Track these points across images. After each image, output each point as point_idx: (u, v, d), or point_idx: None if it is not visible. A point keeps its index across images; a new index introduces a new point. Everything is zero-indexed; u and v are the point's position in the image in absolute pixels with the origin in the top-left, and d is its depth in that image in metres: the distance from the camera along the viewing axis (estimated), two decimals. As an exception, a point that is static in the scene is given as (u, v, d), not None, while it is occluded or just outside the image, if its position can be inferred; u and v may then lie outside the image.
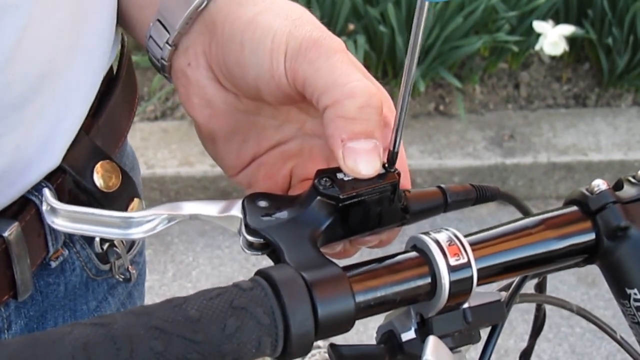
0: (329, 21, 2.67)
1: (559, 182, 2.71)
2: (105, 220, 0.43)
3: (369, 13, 2.65)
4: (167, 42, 0.52)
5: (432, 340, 0.42)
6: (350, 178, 0.43)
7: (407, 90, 0.41)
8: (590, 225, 0.47)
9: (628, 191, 0.49)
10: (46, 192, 0.49)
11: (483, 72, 2.94)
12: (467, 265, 0.41)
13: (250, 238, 0.41)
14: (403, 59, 2.67)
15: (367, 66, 2.80)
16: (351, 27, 2.74)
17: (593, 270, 2.35)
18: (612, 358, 2.17)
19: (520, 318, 1.87)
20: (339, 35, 2.73)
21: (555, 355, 2.15)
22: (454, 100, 2.82)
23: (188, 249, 2.46)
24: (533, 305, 0.57)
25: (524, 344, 0.59)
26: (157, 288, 2.31)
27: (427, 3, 0.37)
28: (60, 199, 0.50)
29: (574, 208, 0.48)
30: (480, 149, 2.69)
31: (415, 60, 0.41)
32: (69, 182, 0.54)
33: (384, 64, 2.82)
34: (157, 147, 2.64)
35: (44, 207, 0.45)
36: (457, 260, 0.41)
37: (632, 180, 0.50)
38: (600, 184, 0.48)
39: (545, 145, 2.72)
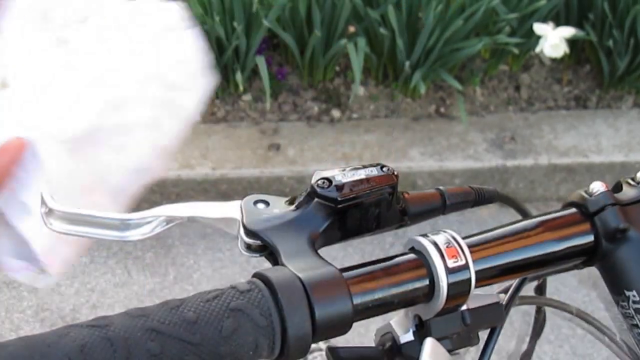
0: (330, 23, 2.67)
1: (559, 183, 2.70)
2: (103, 222, 0.43)
3: (370, 15, 2.65)
4: None
5: (429, 343, 0.42)
6: (348, 180, 0.43)
7: None
8: (589, 227, 0.47)
9: (627, 193, 0.49)
10: (44, 193, 0.48)
11: (484, 74, 2.94)
12: (465, 267, 0.41)
13: (248, 240, 0.41)
14: (404, 61, 2.67)
15: (368, 68, 2.81)
16: (352, 29, 2.74)
17: (594, 273, 2.36)
18: (613, 359, 2.16)
19: (521, 320, 1.86)
20: (339, 37, 2.73)
21: (556, 356, 2.15)
22: (455, 103, 2.82)
23: (189, 251, 2.46)
24: (535, 307, 0.57)
25: (525, 346, 0.58)
26: (159, 291, 2.31)
27: None
28: None
29: (573, 210, 0.48)
30: (481, 151, 2.68)
31: None
32: None
33: (384, 67, 2.82)
34: (158, 150, 2.64)
35: (42, 210, 0.45)
36: (455, 262, 0.41)
37: (631, 182, 0.49)
38: (599, 186, 0.48)
39: (546, 147, 2.72)
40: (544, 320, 0.58)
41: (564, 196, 2.74)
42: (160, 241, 2.46)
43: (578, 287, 2.30)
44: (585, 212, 0.48)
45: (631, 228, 0.48)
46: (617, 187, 0.50)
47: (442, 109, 2.86)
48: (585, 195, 0.48)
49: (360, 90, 2.85)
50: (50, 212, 0.44)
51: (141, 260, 2.44)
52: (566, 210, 0.49)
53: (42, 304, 2.26)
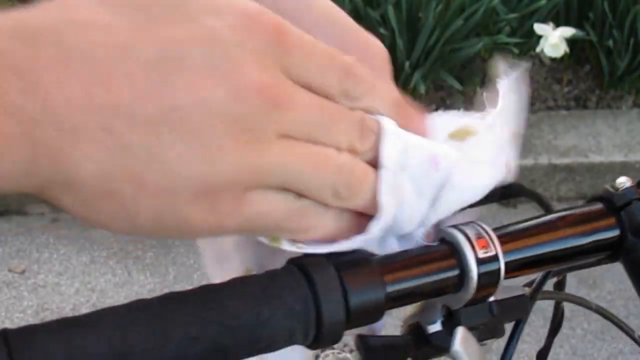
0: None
1: (559, 183, 2.71)
2: None
3: (369, 15, 2.65)
4: None
5: (460, 332, 0.42)
6: None
7: None
8: (614, 222, 0.48)
9: None
10: None
11: (484, 74, 2.94)
12: (495, 258, 0.41)
13: None
14: (404, 61, 2.67)
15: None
16: (352, 29, 2.74)
17: (594, 273, 2.37)
18: (614, 359, 2.17)
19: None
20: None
21: (556, 356, 2.15)
22: (455, 102, 2.82)
23: (189, 251, 2.46)
24: (550, 305, 0.57)
25: (541, 344, 0.59)
26: (159, 290, 2.31)
27: None
28: None
29: (599, 205, 0.49)
30: (481, 151, 2.69)
31: None
32: None
33: (384, 66, 2.83)
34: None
35: None
36: (485, 252, 0.41)
37: None
38: (625, 181, 0.49)
39: (546, 146, 2.72)
40: (562, 316, 0.58)
41: (564, 196, 2.75)
42: (160, 241, 2.46)
43: (578, 287, 2.30)
44: (611, 206, 0.48)
45: None
46: None
47: (442, 109, 2.85)
48: (611, 190, 0.49)
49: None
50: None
51: (141, 260, 2.44)
52: (592, 204, 0.49)
53: (43, 304, 2.26)
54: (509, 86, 0.45)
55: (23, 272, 2.37)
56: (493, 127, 0.43)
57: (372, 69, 0.39)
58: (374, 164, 0.38)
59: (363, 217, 0.38)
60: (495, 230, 0.43)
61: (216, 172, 0.33)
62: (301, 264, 0.37)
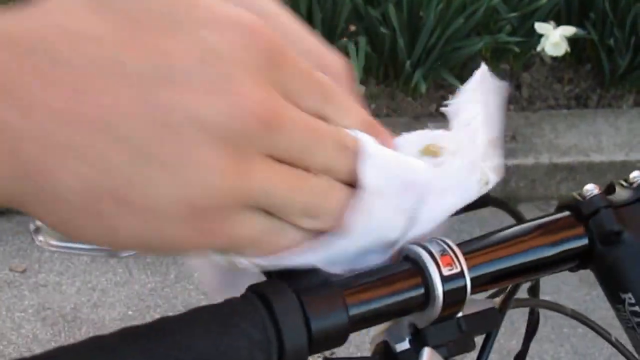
0: (330, 22, 2.67)
1: (560, 182, 2.70)
2: None
3: (370, 14, 2.65)
4: None
5: (426, 352, 0.42)
6: None
7: None
8: (583, 231, 0.47)
9: (620, 195, 0.48)
10: None
11: (484, 73, 2.94)
12: (461, 274, 0.40)
13: None
14: (405, 60, 2.67)
15: (369, 67, 2.81)
16: (352, 28, 2.74)
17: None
18: (614, 359, 2.17)
19: (522, 319, 1.87)
20: (340, 36, 2.73)
21: (557, 355, 2.15)
22: (456, 101, 2.82)
23: (190, 250, 2.46)
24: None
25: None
26: (160, 290, 2.31)
27: None
28: None
29: (567, 213, 0.48)
30: (481, 150, 2.69)
31: None
32: None
33: (385, 66, 2.82)
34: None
35: (31, 227, 0.44)
36: (450, 270, 0.40)
37: (624, 183, 0.49)
38: (592, 189, 0.48)
39: (547, 146, 2.72)
40: (538, 321, 0.58)
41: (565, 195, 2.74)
42: (162, 240, 2.45)
43: (579, 286, 2.30)
44: (579, 215, 0.48)
45: (625, 230, 0.47)
46: (610, 189, 0.49)
47: (443, 108, 2.85)
48: (579, 198, 0.48)
49: (361, 90, 2.85)
50: (38, 229, 0.43)
51: (142, 259, 2.44)
52: (560, 213, 0.48)
53: (44, 303, 2.26)
54: (477, 94, 0.45)
55: (24, 271, 2.37)
56: (462, 141, 0.42)
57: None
58: (350, 181, 0.37)
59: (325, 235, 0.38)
60: (460, 245, 0.42)
61: (202, 194, 0.32)
62: (260, 291, 0.36)
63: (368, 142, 0.38)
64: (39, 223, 0.43)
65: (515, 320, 0.58)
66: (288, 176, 0.35)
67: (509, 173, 2.67)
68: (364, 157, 0.37)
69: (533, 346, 0.57)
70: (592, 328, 0.56)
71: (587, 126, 2.82)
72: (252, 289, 0.37)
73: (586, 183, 0.50)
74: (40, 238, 0.43)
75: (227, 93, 0.31)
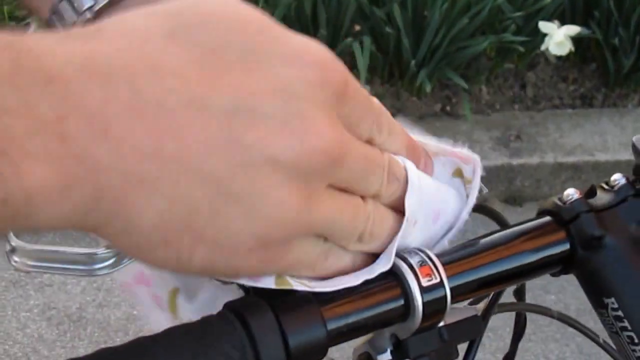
0: (335, 22, 2.67)
1: (565, 182, 2.70)
2: (68, 257, 0.41)
3: (375, 14, 2.65)
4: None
5: None
6: None
7: None
8: (564, 236, 0.46)
9: (601, 198, 0.47)
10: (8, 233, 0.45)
11: (489, 72, 2.94)
12: (440, 285, 0.40)
13: None
14: (409, 59, 2.67)
15: (373, 67, 2.81)
16: (357, 28, 2.74)
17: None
18: (620, 358, 2.16)
19: (512, 321, 1.87)
20: (344, 36, 2.73)
21: (562, 355, 2.15)
22: (460, 101, 2.82)
23: (195, 250, 2.47)
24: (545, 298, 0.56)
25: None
26: (164, 289, 2.32)
27: None
28: None
29: (548, 219, 0.47)
30: (486, 150, 2.68)
31: None
32: None
33: (390, 65, 2.82)
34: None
35: (7, 248, 0.42)
36: (429, 280, 0.40)
37: (605, 186, 0.49)
38: (572, 193, 0.47)
39: (552, 145, 2.72)
40: (525, 323, 0.57)
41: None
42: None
43: (580, 286, 2.30)
44: (560, 220, 0.47)
45: (607, 235, 0.47)
46: (592, 192, 0.49)
47: (447, 108, 2.85)
48: (559, 203, 0.47)
49: (366, 89, 2.85)
50: (13, 249, 0.43)
51: (147, 259, 2.44)
52: (541, 219, 0.48)
53: (49, 303, 2.26)
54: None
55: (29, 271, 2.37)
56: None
57: None
58: (393, 207, 0.39)
59: (369, 256, 0.40)
60: (439, 255, 0.42)
61: (273, 230, 0.33)
62: (237, 309, 0.36)
63: (413, 173, 0.40)
64: (14, 243, 0.42)
65: (508, 320, 0.58)
66: (348, 205, 0.36)
67: (514, 172, 2.67)
68: (411, 189, 0.39)
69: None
70: (580, 330, 0.56)
71: (592, 125, 2.82)
72: (229, 306, 0.36)
73: (591, 183, 0.50)
74: (16, 259, 0.42)
75: (302, 133, 0.32)
